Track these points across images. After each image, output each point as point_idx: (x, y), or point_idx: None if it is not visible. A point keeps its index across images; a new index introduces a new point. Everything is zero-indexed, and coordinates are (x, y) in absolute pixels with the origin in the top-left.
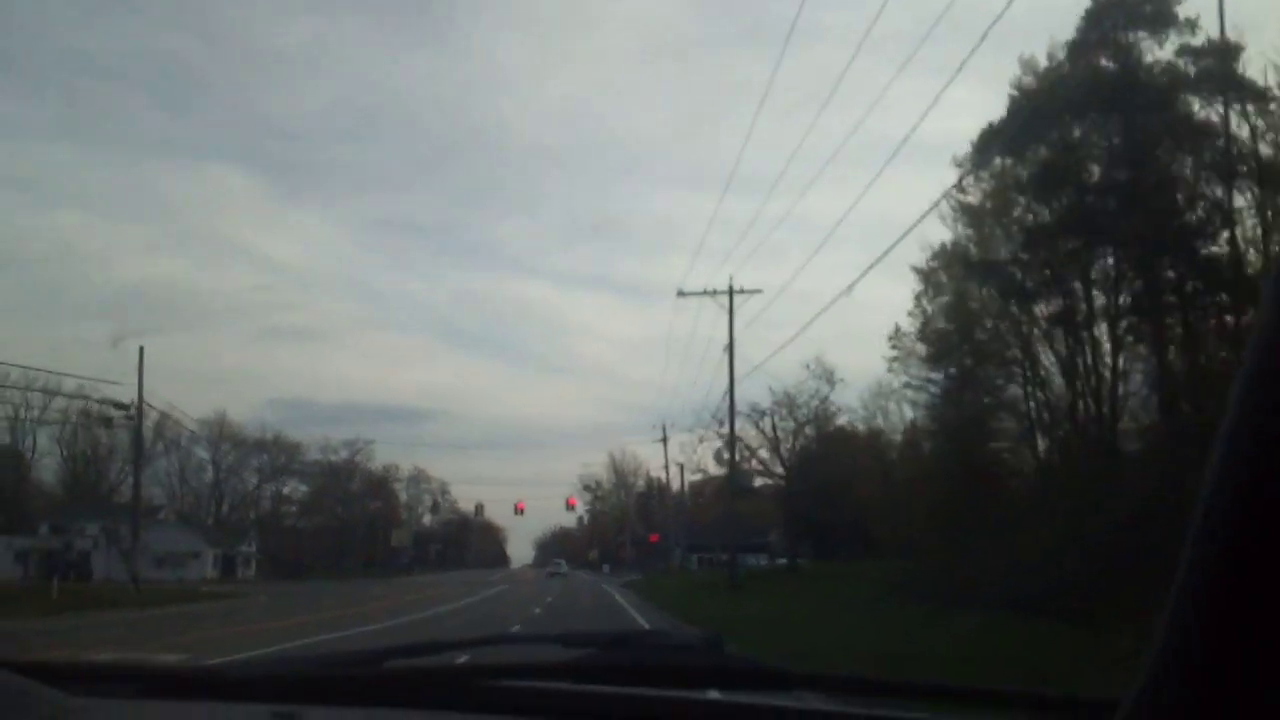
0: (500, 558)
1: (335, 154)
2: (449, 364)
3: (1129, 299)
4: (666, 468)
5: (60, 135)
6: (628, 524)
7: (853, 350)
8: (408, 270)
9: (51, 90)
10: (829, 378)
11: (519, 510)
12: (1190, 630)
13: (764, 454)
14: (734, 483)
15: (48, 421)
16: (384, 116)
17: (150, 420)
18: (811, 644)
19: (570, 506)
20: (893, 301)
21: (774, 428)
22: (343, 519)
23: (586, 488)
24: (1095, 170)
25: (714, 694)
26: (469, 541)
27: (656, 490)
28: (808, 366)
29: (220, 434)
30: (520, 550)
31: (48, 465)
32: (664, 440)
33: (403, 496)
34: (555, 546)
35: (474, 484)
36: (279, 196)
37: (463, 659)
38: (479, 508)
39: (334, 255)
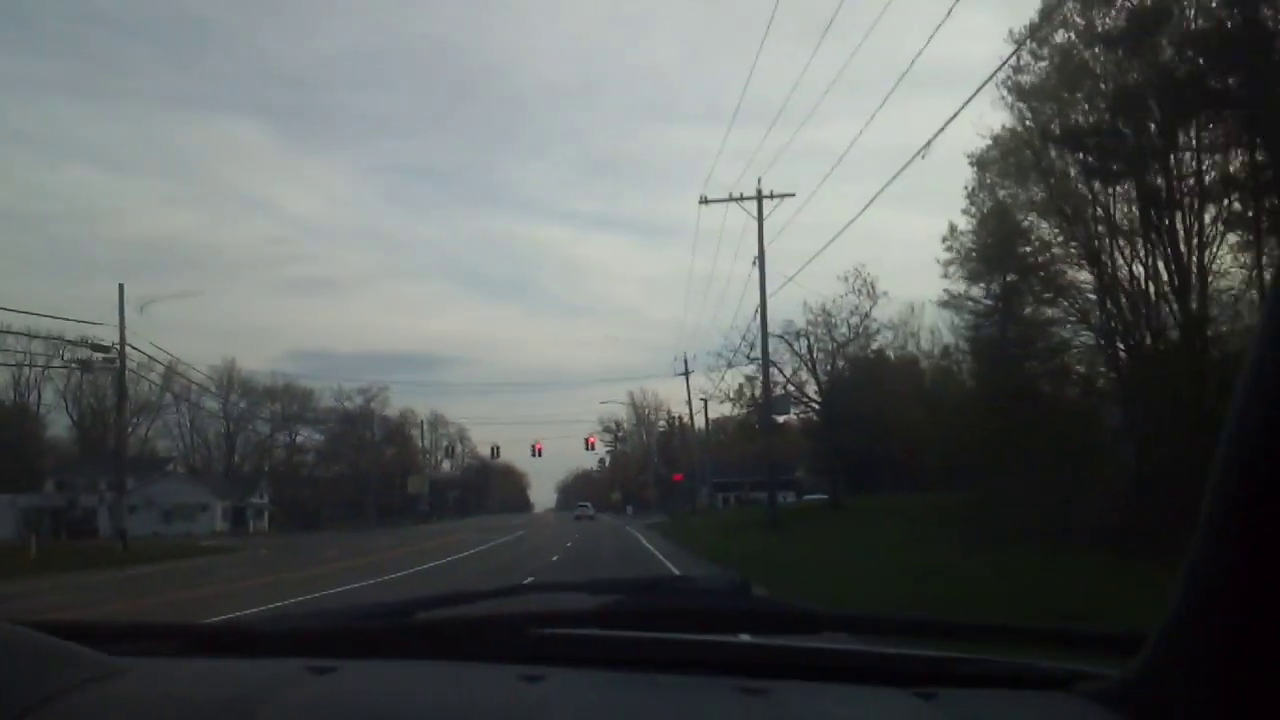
0: (523, 502)
1: (347, 101)
2: (467, 310)
3: (1230, 176)
4: (689, 402)
5: (72, 90)
6: (650, 464)
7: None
8: (424, 217)
9: (62, 44)
10: (870, 290)
11: (537, 451)
12: (1217, 567)
13: (799, 379)
14: (769, 410)
15: (51, 374)
16: (395, 61)
17: (155, 372)
18: (885, 591)
19: (590, 446)
20: (916, 237)
21: (810, 349)
22: (358, 467)
23: (607, 429)
24: (1197, 18)
25: (743, 637)
26: (490, 487)
27: (678, 429)
28: (845, 279)
29: (229, 382)
30: (543, 495)
31: (61, 420)
32: (686, 373)
33: (421, 444)
34: (577, 490)
35: (493, 426)
36: (292, 147)
37: (492, 608)
38: (495, 450)
39: (349, 204)
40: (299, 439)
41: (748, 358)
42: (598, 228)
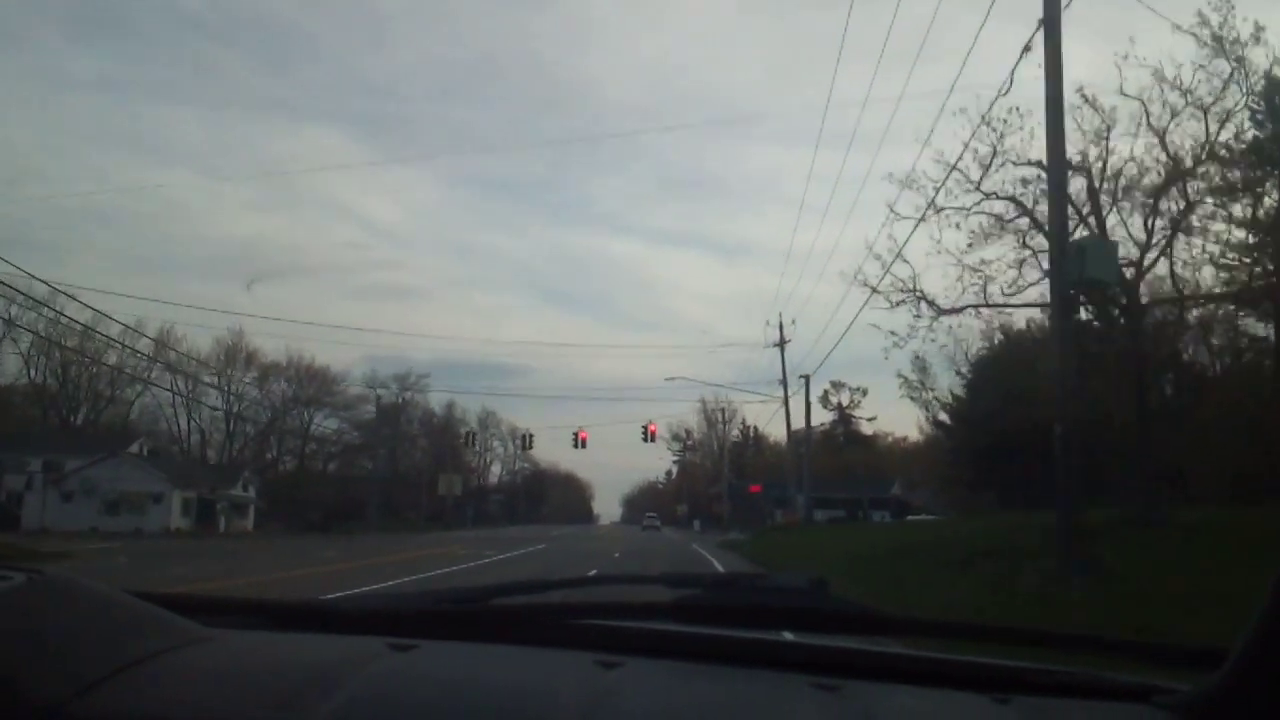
0: (585, 513)
1: (431, 113)
2: (539, 322)
3: None
4: (784, 380)
5: (168, 96)
6: (722, 474)
7: None
8: (501, 229)
9: (159, 52)
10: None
11: (581, 441)
12: None
13: None
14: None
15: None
16: (479, 75)
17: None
18: None
19: (651, 436)
20: None
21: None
22: (379, 464)
23: (675, 437)
24: None
25: (817, 637)
26: (543, 494)
27: (752, 439)
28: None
29: (233, 357)
30: (609, 506)
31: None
32: (781, 343)
33: (473, 445)
34: (642, 502)
35: (556, 432)
36: (375, 155)
37: (568, 597)
38: (527, 438)
39: (429, 214)
40: (317, 428)
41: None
42: (672, 244)
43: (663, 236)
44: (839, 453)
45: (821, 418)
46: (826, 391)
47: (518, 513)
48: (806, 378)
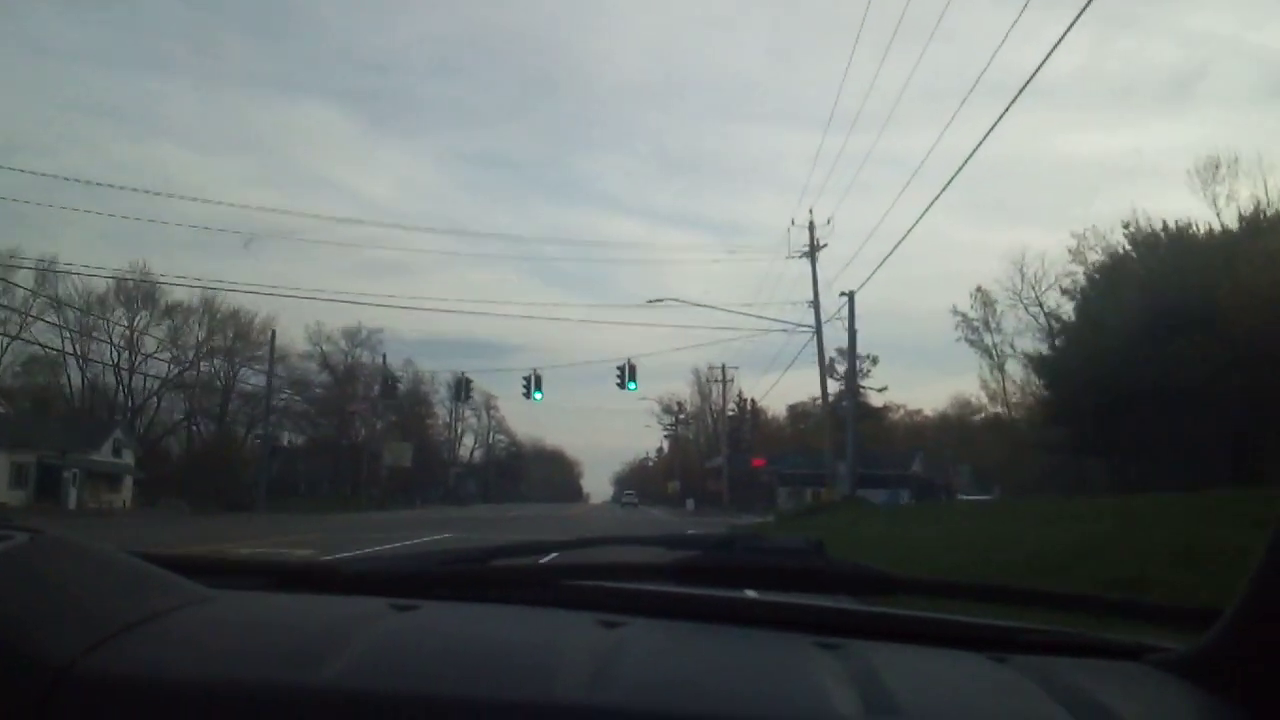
0: (574, 492)
1: (427, 89)
2: (535, 299)
3: None
4: (816, 298)
5: (157, 68)
6: (721, 446)
7: None
8: (497, 206)
9: (148, 22)
10: None
11: (535, 384)
12: None
13: None
14: None
15: None
16: (475, 51)
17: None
18: None
19: (630, 375)
20: None
21: None
22: (320, 431)
23: (667, 410)
24: None
25: (816, 598)
26: (523, 471)
27: (749, 413)
28: None
29: (119, 295)
30: (599, 485)
31: None
32: (812, 250)
33: (450, 420)
34: (633, 480)
35: (546, 415)
36: (370, 132)
37: (568, 558)
38: (463, 385)
39: (424, 191)
40: (245, 386)
41: None
42: (672, 223)
43: (663, 215)
44: (840, 429)
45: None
46: (832, 360)
47: (491, 490)
48: (850, 295)
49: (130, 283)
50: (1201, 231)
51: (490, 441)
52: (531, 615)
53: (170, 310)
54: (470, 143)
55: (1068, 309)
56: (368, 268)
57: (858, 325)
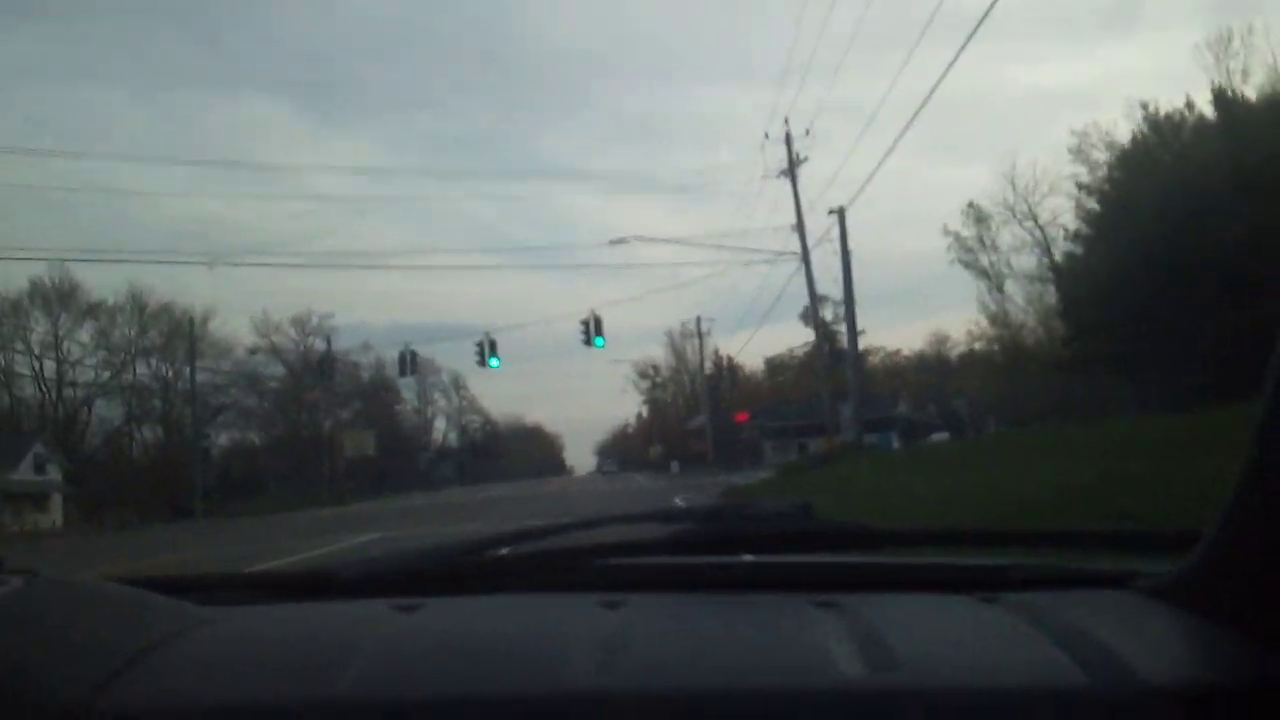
0: (557, 466)
1: (369, 74)
2: (498, 278)
3: None
4: (800, 221)
5: (90, 75)
6: (703, 402)
7: None
8: (451, 186)
9: (78, 29)
10: None
11: (489, 354)
12: (1274, 459)
13: None
14: None
15: None
16: (415, 30)
17: None
18: None
19: (596, 330)
20: None
21: None
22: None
23: (643, 374)
24: None
25: (807, 557)
26: (500, 449)
27: (726, 370)
28: None
29: (43, 299)
30: (583, 458)
31: None
32: (791, 167)
33: (422, 407)
34: (615, 449)
35: (523, 392)
36: (314, 121)
37: (563, 542)
38: (408, 358)
39: (376, 177)
40: (188, 386)
41: None
42: (628, 189)
43: (619, 182)
44: (848, 366)
45: (803, 336)
46: (806, 307)
47: (468, 472)
48: (840, 211)
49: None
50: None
51: (463, 422)
52: (533, 603)
53: (93, 310)
54: (417, 125)
55: (1068, 218)
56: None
57: (851, 246)
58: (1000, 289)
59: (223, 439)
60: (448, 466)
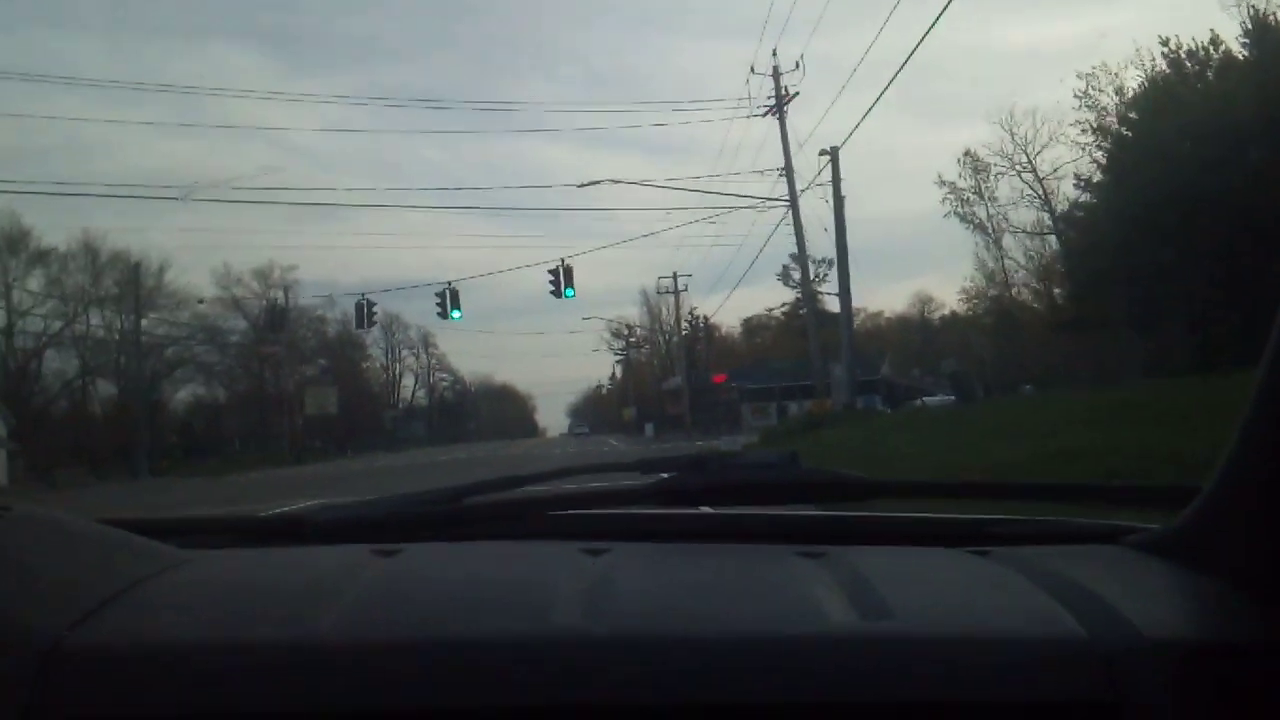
0: (529, 428)
1: (338, 25)
2: (474, 236)
3: None
4: (788, 163)
5: (61, 22)
6: (679, 362)
7: None
8: (425, 141)
9: None
10: None
11: (451, 306)
12: (1274, 416)
13: None
14: None
15: None
16: None
17: None
18: None
19: (565, 280)
20: None
21: None
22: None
23: (616, 334)
24: None
25: (793, 509)
26: (469, 409)
27: (703, 330)
28: None
29: None
30: (555, 419)
31: None
32: (779, 103)
33: (388, 364)
34: (587, 411)
35: (487, 353)
36: (286, 73)
37: (544, 490)
38: (364, 310)
39: (346, 130)
40: (148, 337)
41: None
42: (607, 147)
43: (597, 140)
44: (803, 336)
45: (781, 297)
46: (786, 267)
47: (436, 432)
48: (832, 151)
49: None
50: None
51: (432, 381)
52: (514, 549)
53: (42, 256)
54: (388, 78)
55: (1070, 169)
56: (293, 214)
57: (843, 193)
58: (998, 243)
59: (182, 394)
60: (416, 426)
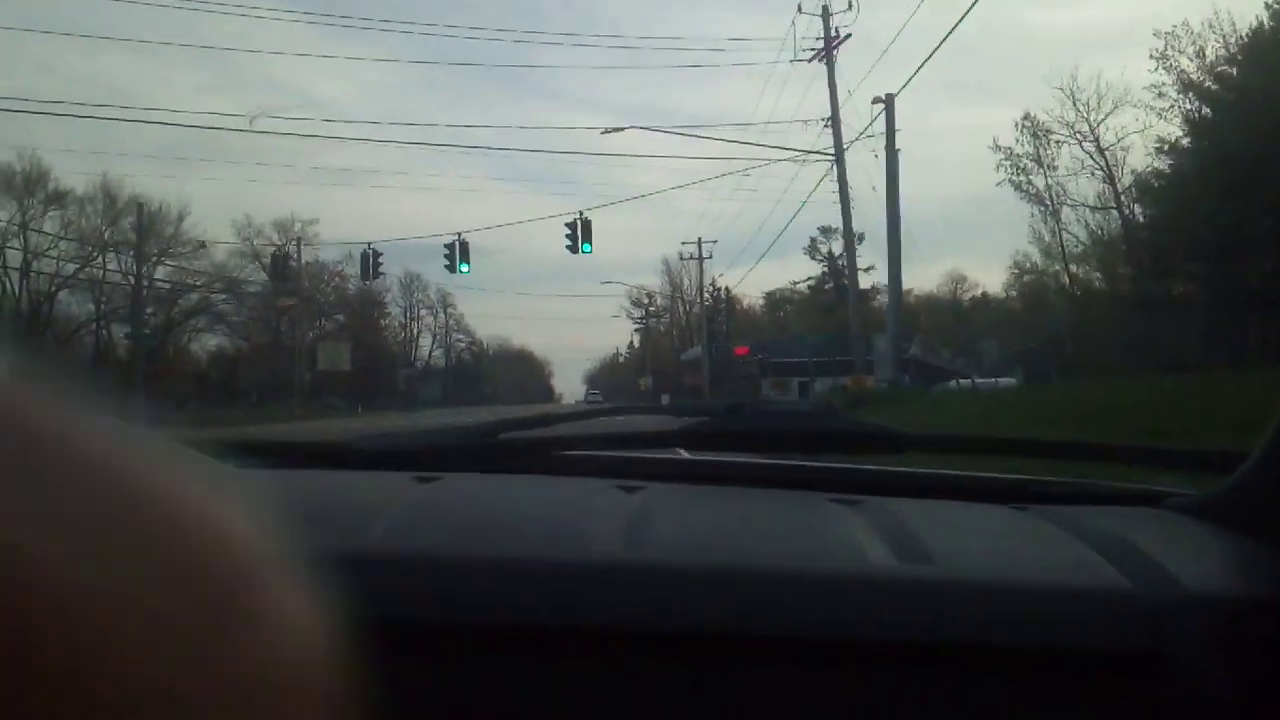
0: (545, 392)
1: None
2: (499, 201)
3: None
4: (835, 112)
5: None
6: (701, 330)
7: None
8: (457, 106)
9: None
10: None
11: (460, 259)
12: None
13: None
14: None
15: None
16: None
17: None
18: None
19: (583, 234)
20: None
21: None
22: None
23: (635, 302)
24: None
25: (830, 459)
26: (484, 371)
27: (724, 301)
28: None
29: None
30: (572, 385)
31: None
32: (827, 48)
33: (405, 322)
34: (603, 379)
35: (514, 321)
36: (324, 32)
37: (578, 429)
38: (369, 259)
39: (381, 93)
40: (165, 285)
41: None
42: (634, 117)
43: (625, 109)
44: (830, 312)
45: (806, 270)
46: (814, 239)
47: (450, 393)
48: (888, 98)
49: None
50: None
51: (449, 342)
52: (551, 483)
53: (59, 197)
54: (424, 43)
55: (1136, 138)
56: (327, 174)
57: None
58: (1057, 216)
59: (195, 345)
60: (432, 386)
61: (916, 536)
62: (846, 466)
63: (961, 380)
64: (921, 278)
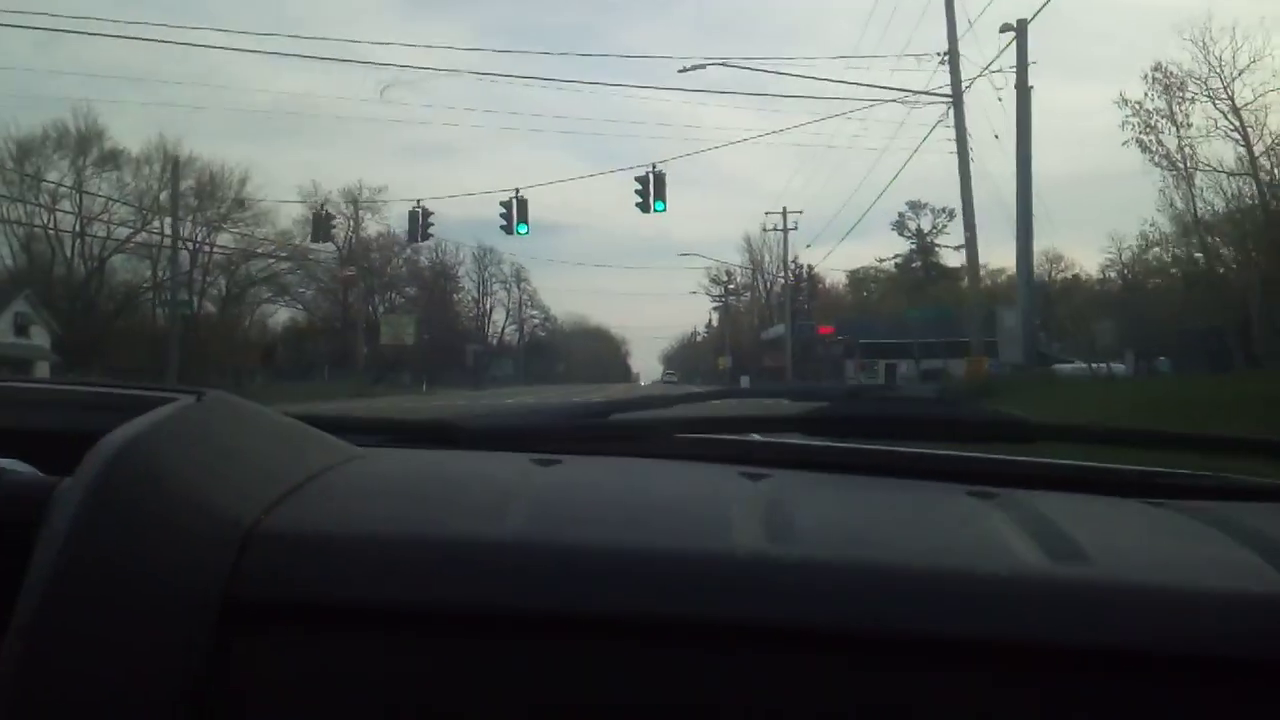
0: (623, 371)
1: None
2: (579, 177)
3: None
4: (953, 43)
5: None
6: (786, 307)
7: None
8: (537, 81)
9: None
10: None
11: (517, 220)
12: None
13: None
14: None
15: None
16: None
17: None
18: None
19: (646, 201)
20: None
21: None
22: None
23: (715, 280)
24: None
25: (955, 447)
26: (558, 348)
27: (807, 279)
28: None
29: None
30: (649, 365)
31: None
32: None
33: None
34: (680, 358)
35: (586, 294)
36: (405, 7)
37: (690, 412)
38: (419, 220)
39: (464, 67)
40: (223, 251)
41: None
42: (716, 94)
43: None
44: (918, 290)
45: (894, 247)
46: (902, 215)
47: (521, 371)
48: (1020, 25)
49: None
50: None
51: (522, 317)
52: (671, 468)
53: (113, 156)
54: (507, 17)
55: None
56: (408, 149)
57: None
58: (1189, 181)
59: (256, 315)
60: (504, 363)
61: (1066, 535)
62: (974, 455)
63: (1060, 365)
64: (1008, 257)
